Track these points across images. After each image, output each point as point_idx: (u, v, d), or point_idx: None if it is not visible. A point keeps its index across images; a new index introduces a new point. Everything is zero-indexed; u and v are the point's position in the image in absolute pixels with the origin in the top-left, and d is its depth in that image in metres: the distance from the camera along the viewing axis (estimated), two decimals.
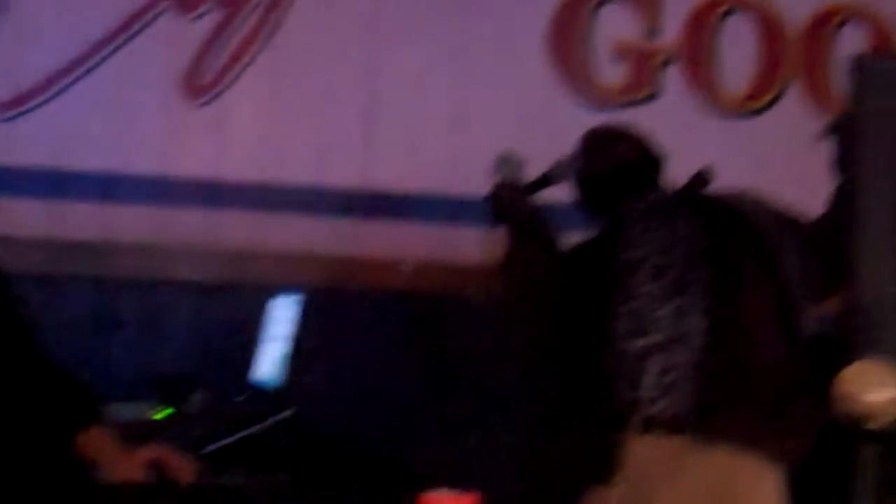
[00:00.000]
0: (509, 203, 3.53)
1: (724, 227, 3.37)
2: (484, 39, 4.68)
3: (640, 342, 3.28)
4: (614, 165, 3.51)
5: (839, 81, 4.78)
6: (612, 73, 4.76)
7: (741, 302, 3.27)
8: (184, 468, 2.67)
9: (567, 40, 4.74)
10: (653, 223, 3.44)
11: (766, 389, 3.22)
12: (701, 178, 3.51)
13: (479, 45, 4.68)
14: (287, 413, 3.67)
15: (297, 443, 3.68)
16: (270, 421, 3.64)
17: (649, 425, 3.23)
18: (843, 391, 1.93)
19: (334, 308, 4.42)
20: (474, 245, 4.60)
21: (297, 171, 4.56)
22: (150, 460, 2.63)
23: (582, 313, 3.37)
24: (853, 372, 1.94)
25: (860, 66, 2.01)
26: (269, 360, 4.02)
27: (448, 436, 4.46)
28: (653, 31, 4.79)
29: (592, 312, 3.35)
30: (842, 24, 4.87)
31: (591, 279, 3.41)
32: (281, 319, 4.05)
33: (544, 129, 4.70)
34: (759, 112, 4.82)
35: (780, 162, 4.52)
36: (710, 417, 3.20)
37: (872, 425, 1.92)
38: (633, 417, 3.23)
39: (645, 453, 3.22)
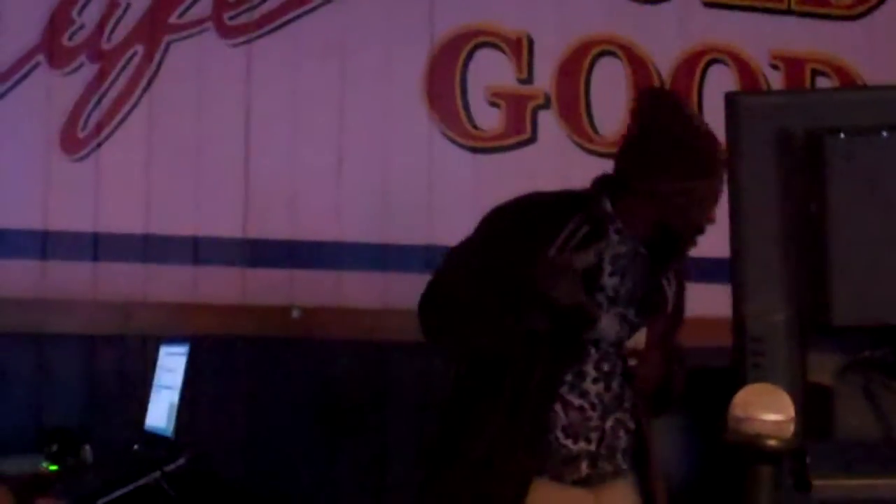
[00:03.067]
0: None
1: None
2: (361, 85, 4.73)
3: None
4: None
5: (709, 120, 4.92)
6: (489, 118, 4.84)
7: None
8: None
9: (443, 85, 4.81)
10: None
11: None
12: None
13: (356, 91, 4.72)
14: (180, 461, 3.67)
15: (190, 490, 3.67)
16: (163, 470, 3.64)
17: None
18: (737, 414, 2.00)
19: (224, 355, 4.43)
20: (361, 290, 4.65)
21: (179, 221, 4.57)
22: None
23: None
24: (746, 395, 2.02)
25: (732, 101, 2.09)
26: (160, 409, 4.02)
27: (341, 479, 4.49)
28: (526, 76, 4.88)
29: None
30: (709, 64, 5.01)
31: None
32: (170, 368, 4.06)
33: (424, 173, 4.77)
34: None
35: None
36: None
37: (766, 447, 1.99)
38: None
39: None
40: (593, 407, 3.25)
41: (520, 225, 3.23)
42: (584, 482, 3.26)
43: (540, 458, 3.22)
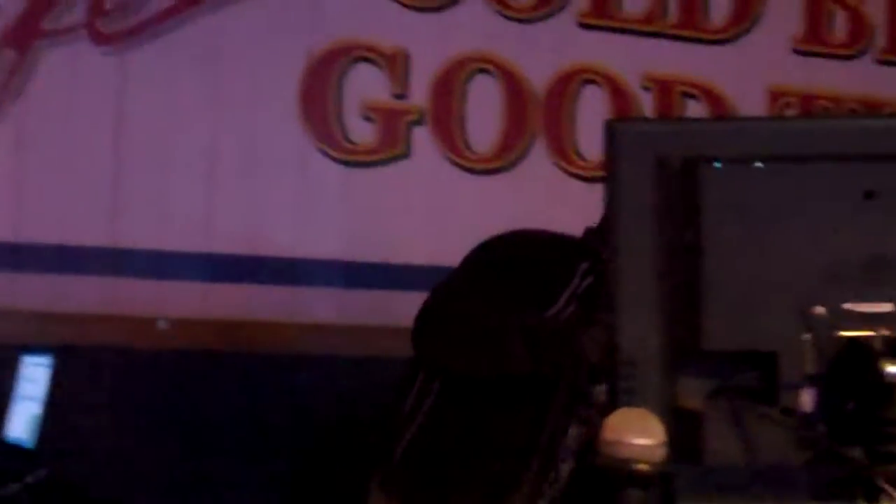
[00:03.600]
0: None
1: None
2: (236, 96, 4.70)
3: None
4: None
5: (581, 139, 4.98)
6: (363, 132, 4.84)
7: None
8: None
9: (318, 98, 4.79)
10: None
11: None
12: None
13: (231, 102, 4.70)
14: (41, 472, 3.62)
15: (52, 502, 3.63)
16: (24, 481, 3.58)
17: None
18: (608, 437, 2.02)
19: (89, 366, 4.37)
20: (228, 301, 4.62)
21: (45, 230, 4.50)
22: None
23: None
24: (617, 419, 2.03)
25: (611, 128, 2.12)
26: (22, 419, 3.95)
27: (207, 493, 4.45)
28: (401, 91, 4.89)
29: None
30: (583, 84, 5.06)
31: None
32: (33, 379, 3.99)
33: (298, 186, 4.75)
34: (506, 169, 4.96)
35: (529, 218, 4.65)
36: None
37: (636, 470, 2.01)
38: None
39: None
40: None
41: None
42: None
43: None
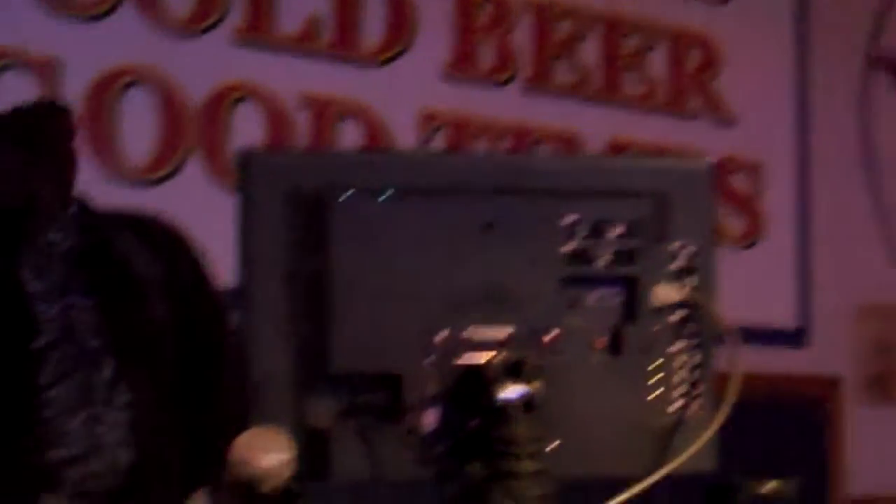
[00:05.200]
0: None
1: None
2: None
3: (54, 455, 3.18)
4: None
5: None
6: None
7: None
8: None
9: None
10: (50, 286, 3.34)
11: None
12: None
13: None
14: None
15: None
16: None
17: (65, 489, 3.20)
18: (238, 457, 2.08)
19: None
20: None
21: None
22: None
23: None
24: (246, 438, 2.09)
25: (244, 157, 2.19)
26: None
27: None
28: (57, 97, 4.82)
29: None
30: (238, 101, 5.11)
31: None
32: None
33: None
34: (158, 182, 4.96)
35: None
36: None
37: (265, 488, 2.07)
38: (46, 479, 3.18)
39: None
40: None
41: None
42: None
43: None
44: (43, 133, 3.23)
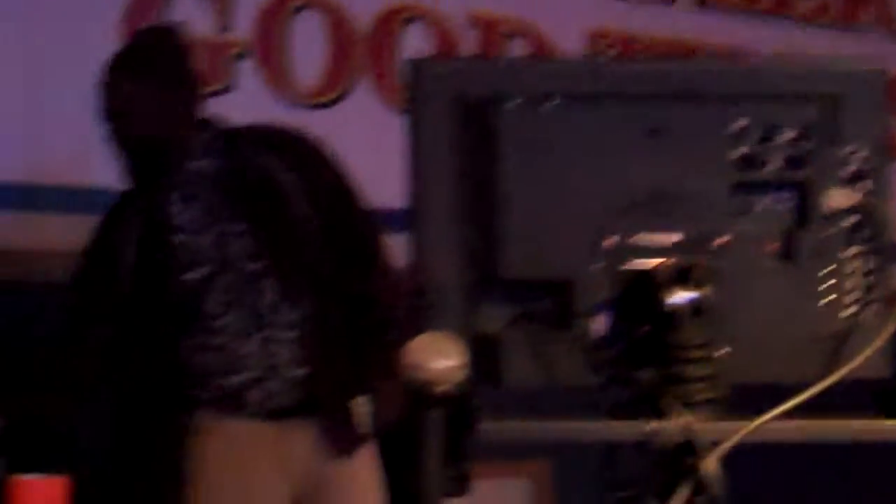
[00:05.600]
0: None
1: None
2: (56, 31, 4.66)
3: (235, 379, 3.28)
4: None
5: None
6: None
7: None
8: None
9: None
10: (200, 215, 3.44)
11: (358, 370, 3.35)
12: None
13: (52, 37, 4.65)
14: None
15: None
16: None
17: (247, 410, 3.30)
18: (410, 360, 2.11)
19: None
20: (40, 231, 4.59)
21: None
22: None
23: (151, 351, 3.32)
24: (419, 342, 2.13)
25: (414, 66, 2.20)
26: None
27: (32, 423, 4.44)
28: (225, 25, 4.90)
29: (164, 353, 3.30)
30: (407, 22, 5.13)
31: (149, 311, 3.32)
32: None
33: None
34: (329, 105, 5.01)
35: (350, 154, 4.74)
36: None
37: (437, 391, 2.11)
38: (228, 402, 3.28)
39: (243, 438, 3.28)
40: None
41: None
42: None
43: None
44: (162, 59, 3.32)
